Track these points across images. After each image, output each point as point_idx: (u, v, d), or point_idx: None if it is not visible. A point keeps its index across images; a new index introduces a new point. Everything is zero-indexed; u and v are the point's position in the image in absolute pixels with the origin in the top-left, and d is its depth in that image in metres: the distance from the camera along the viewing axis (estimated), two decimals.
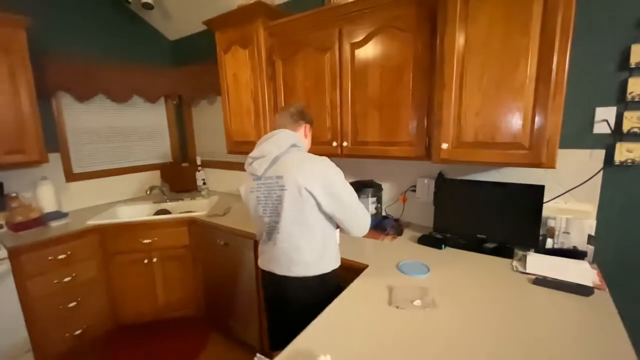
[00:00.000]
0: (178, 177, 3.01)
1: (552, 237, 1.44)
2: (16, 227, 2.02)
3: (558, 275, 1.24)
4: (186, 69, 2.87)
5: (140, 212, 2.58)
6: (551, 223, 1.45)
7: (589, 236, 1.37)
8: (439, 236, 1.66)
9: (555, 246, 1.44)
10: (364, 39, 1.58)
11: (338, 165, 1.23)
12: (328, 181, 1.15)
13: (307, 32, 1.76)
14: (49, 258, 1.94)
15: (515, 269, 1.33)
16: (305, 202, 1.15)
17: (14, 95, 1.92)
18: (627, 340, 0.90)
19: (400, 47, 1.48)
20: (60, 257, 1.98)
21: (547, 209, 1.49)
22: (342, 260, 1.42)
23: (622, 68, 1.31)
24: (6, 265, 1.75)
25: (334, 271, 1.29)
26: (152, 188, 2.60)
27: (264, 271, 1.33)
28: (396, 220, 1.89)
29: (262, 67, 1.94)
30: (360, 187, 1.87)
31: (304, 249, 1.20)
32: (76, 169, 2.56)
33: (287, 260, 1.23)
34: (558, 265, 1.30)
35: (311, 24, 1.73)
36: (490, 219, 1.55)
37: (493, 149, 1.28)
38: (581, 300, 1.11)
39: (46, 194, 2.29)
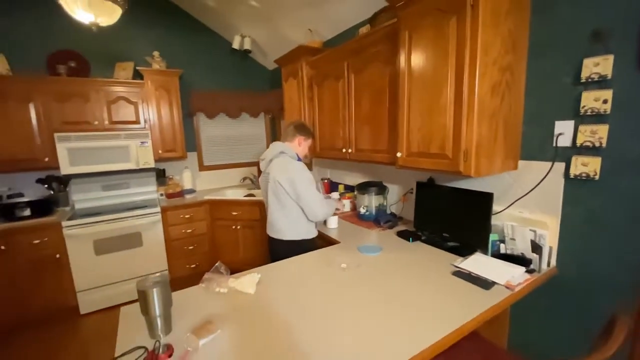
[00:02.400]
0: None
1: (504, 242, 1.53)
2: (168, 196, 3.36)
3: (481, 273, 1.40)
4: (277, 91, 3.80)
5: (237, 194, 3.66)
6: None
7: (533, 244, 1.42)
8: (419, 232, 1.92)
9: (508, 251, 1.53)
10: (360, 68, 2.02)
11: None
12: (292, 178, 1.72)
13: (329, 65, 2.31)
14: (181, 216, 3.15)
15: (452, 264, 1.53)
16: (279, 190, 1.75)
17: (171, 116, 3.23)
18: (460, 322, 1.08)
19: (380, 75, 1.86)
20: (187, 216, 3.18)
21: (508, 217, 1.58)
22: (324, 235, 1.96)
23: (577, 82, 1.33)
24: (159, 217, 3.02)
25: (306, 240, 1.84)
26: (244, 178, 3.65)
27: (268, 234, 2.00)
28: (395, 217, 2.21)
29: (304, 92, 2.60)
30: (366, 186, 2.28)
31: (279, 221, 1.82)
32: (205, 163, 3.86)
33: (273, 228, 1.86)
34: (492, 266, 1.45)
35: (331, 59, 2.27)
36: (452, 220, 1.74)
37: (428, 158, 1.55)
38: (477, 291, 1.29)
39: (186, 177, 3.61)
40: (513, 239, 1.49)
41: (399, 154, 1.70)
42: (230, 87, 3.84)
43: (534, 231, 1.45)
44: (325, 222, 2.14)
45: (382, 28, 1.77)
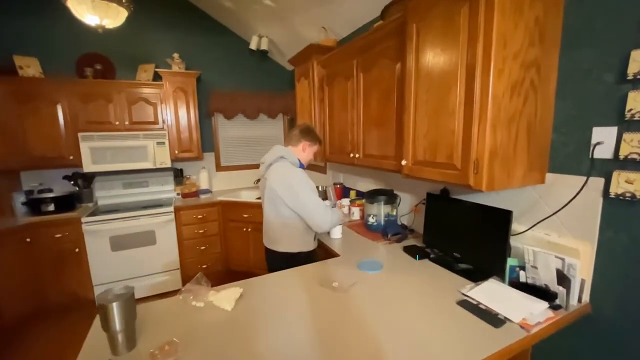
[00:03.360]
0: None
1: (524, 269, 1.30)
2: (184, 195, 3.40)
3: (493, 306, 1.19)
4: (294, 92, 3.71)
5: (251, 196, 3.62)
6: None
7: (559, 274, 1.18)
8: (427, 249, 1.72)
9: (529, 281, 1.29)
10: (368, 67, 1.85)
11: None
12: (289, 185, 1.59)
13: (338, 64, 2.17)
14: (194, 216, 3.17)
15: (459, 290, 1.33)
16: (275, 198, 1.64)
17: (188, 117, 3.26)
18: None
19: (389, 73, 1.69)
20: (200, 216, 3.19)
21: (532, 239, 1.34)
22: (325, 246, 1.83)
23: (622, 80, 1.08)
24: (172, 216, 3.05)
25: (303, 252, 1.70)
26: (258, 180, 3.59)
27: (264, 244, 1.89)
28: (406, 229, 2.01)
29: (315, 93, 2.47)
30: (375, 194, 2.11)
31: (275, 232, 1.70)
32: (222, 163, 3.87)
33: (268, 237, 1.75)
34: (508, 298, 1.23)
35: (340, 57, 2.13)
36: (465, 239, 1.52)
37: (435, 167, 1.35)
38: (484, 328, 1.09)
39: (203, 177, 3.64)
40: (535, 267, 1.25)
41: (403, 162, 1.52)
42: (250, 87, 3.82)
43: (562, 259, 1.20)
44: (329, 231, 2.00)
45: (389, 22, 1.60)
